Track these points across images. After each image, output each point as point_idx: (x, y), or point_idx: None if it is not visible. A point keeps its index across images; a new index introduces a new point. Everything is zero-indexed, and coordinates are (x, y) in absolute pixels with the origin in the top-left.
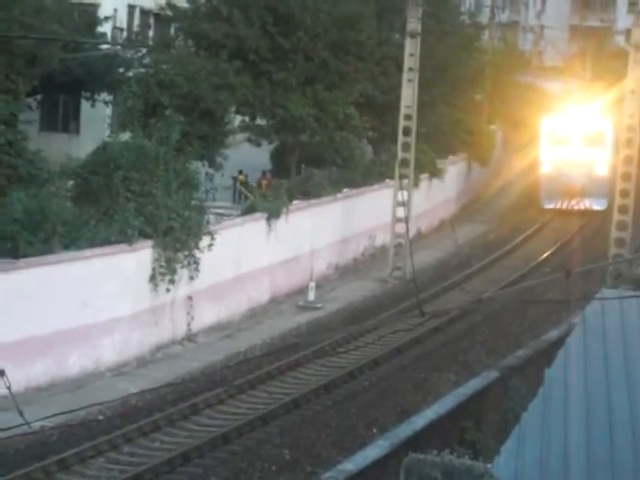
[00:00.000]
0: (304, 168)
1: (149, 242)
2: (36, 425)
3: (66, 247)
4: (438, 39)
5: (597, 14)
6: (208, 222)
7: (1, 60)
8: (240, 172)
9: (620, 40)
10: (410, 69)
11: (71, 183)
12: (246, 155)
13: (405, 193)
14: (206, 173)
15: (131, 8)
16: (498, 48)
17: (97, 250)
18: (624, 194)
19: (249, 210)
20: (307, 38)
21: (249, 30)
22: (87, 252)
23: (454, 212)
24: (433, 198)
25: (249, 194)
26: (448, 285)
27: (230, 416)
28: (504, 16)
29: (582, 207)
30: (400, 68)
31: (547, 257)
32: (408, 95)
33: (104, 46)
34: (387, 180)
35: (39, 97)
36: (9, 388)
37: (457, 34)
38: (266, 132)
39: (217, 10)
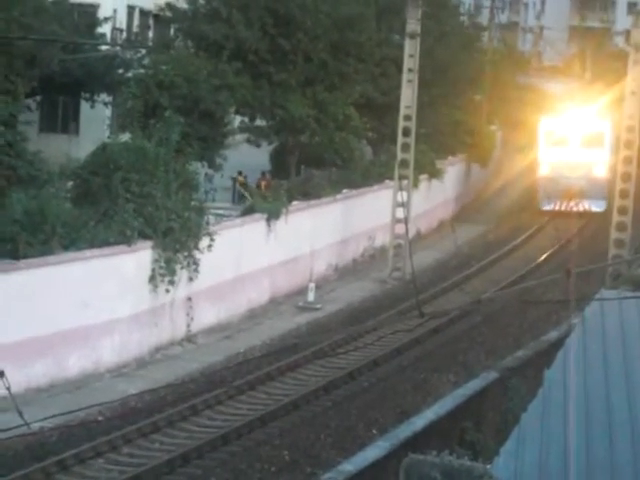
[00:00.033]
0: (304, 169)
1: (149, 243)
2: (35, 426)
3: (66, 248)
4: (438, 40)
5: (597, 15)
6: (208, 223)
7: (0, 61)
8: (240, 173)
9: (619, 41)
10: (410, 70)
11: (71, 184)
12: (246, 156)
13: (404, 194)
14: (206, 174)
15: (130, 9)
16: (498, 49)
17: (97, 251)
18: (624, 195)
19: (249, 211)
20: (307, 39)
21: (249, 31)
22: (87, 253)
23: (454, 213)
24: (432, 199)
25: (248, 195)
26: (448, 286)
27: (230, 417)
28: (504, 17)
29: (581, 209)
30: (400, 69)
31: (546, 258)
32: (408, 96)
33: (104, 47)
34: (387, 181)
35: (39, 98)
36: (9, 389)
37: (457, 35)
38: (266, 133)
39: (217, 11)
